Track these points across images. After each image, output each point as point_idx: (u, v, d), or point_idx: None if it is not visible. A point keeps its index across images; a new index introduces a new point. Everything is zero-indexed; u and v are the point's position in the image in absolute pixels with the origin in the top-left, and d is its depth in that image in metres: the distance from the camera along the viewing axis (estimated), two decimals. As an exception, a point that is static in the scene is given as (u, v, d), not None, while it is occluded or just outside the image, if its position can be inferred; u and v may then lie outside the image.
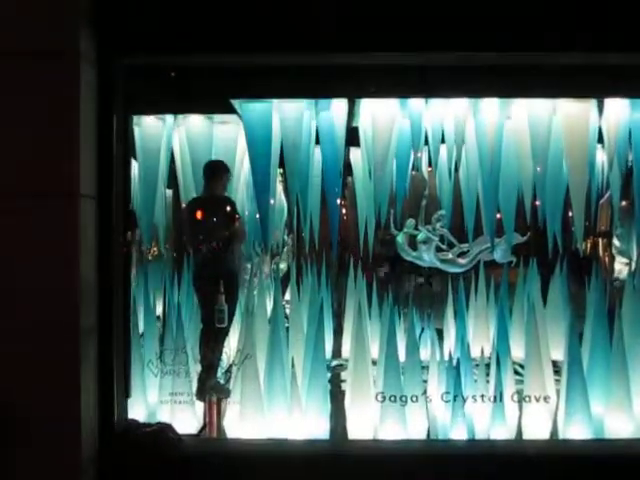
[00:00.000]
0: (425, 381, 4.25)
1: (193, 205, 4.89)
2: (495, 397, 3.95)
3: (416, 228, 6.07)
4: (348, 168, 5.47)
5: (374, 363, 4.36)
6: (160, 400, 4.10)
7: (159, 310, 5.08)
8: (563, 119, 4.31)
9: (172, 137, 5.07)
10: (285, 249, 6.73)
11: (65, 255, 3.10)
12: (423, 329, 5.43)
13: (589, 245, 6.42)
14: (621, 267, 5.75)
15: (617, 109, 4.38)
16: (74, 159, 3.11)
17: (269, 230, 4.76)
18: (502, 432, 3.90)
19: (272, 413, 4.00)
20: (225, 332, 4.48)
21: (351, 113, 4.60)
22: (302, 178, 4.52)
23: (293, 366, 4.04)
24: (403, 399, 3.93)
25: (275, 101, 4.20)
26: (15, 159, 3.08)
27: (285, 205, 5.90)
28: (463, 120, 4.53)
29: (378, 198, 4.74)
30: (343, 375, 4.91)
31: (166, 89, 3.97)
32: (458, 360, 4.05)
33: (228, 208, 4.78)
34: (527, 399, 4.02)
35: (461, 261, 5.98)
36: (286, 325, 4.56)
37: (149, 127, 4.84)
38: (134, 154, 4.67)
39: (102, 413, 3.40)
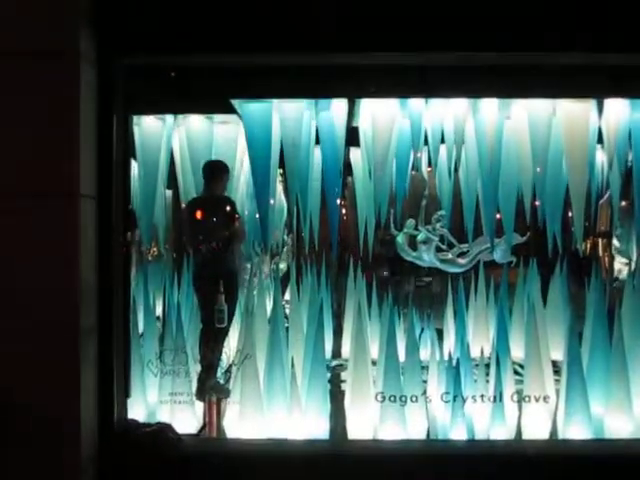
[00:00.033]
0: (425, 381, 4.25)
1: (193, 205, 4.89)
2: (495, 397, 3.95)
3: (416, 228, 6.06)
4: (348, 168, 5.47)
5: (374, 363, 4.36)
6: (160, 400, 4.09)
7: (159, 310, 5.08)
8: (563, 119, 4.31)
9: (172, 137, 5.07)
10: (285, 249, 6.73)
11: (65, 255, 3.10)
12: (423, 329, 5.43)
13: (589, 245, 6.42)
14: (621, 267, 5.76)
15: (617, 109, 4.37)
16: (74, 159, 3.11)
17: (269, 230, 4.76)
18: (502, 432, 3.90)
19: (272, 413, 4.00)
20: (225, 332, 4.48)
21: (351, 113, 4.60)
22: (302, 178, 4.52)
23: (293, 366, 4.05)
24: (403, 399, 3.93)
25: (275, 101, 4.20)
26: (15, 159, 3.08)
27: (285, 205, 5.89)
28: (463, 120, 4.53)
29: (378, 198, 4.74)
30: (343, 375, 4.91)
31: (166, 89, 3.96)
32: (458, 360, 4.05)
33: (228, 208, 4.78)
34: (527, 399, 4.02)
35: (461, 261, 5.98)
36: (286, 325, 4.56)
37: (149, 127, 4.83)
38: (134, 154, 4.66)
39: (102, 413, 3.40)
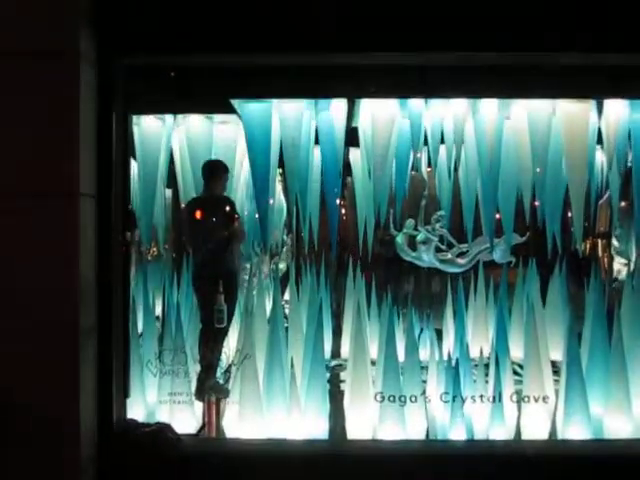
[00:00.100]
0: (424, 381, 4.25)
1: (192, 205, 4.88)
2: (494, 397, 3.95)
3: (415, 228, 6.06)
4: (348, 168, 5.47)
5: (373, 363, 4.37)
6: (159, 400, 4.09)
7: (158, 310, 5.08)
8: (563, 119, 4.31)
9: (172, 137, 5.06)
10: (284, 249, 6.73)
11: (65, 255, 3.10)
12: (422, 329, 5.43)
13: (588, 245, 6.42)
14: (620, 267, 5.75)
15: (617, 109, 4.37)
16: (74, 159, 3.11)
17: (268, 230, 4.75)
18: (501, 432, 3.90)
19: (271, 413, 4.00)
20: (224, 332, 4.48)
21: (351, 113, 4.60)
22: (301, 178, 4.52)
23: (292, 366, 4.04)
24: (402, 399, 3.93)
25: (275, 101, 4.19)
26: (15, 159, 3.08)
27: (284, 205, 5.90)
28: (463, 120, 4.52)
29: (377, 198, 4.73)
30: (342, 375, 4.91)
31: (166, 89, 3.96)
32: (457, 360, 4.05)
33: (227, 208, 4.78)
34: (526, 399, 4.02)
35: (460, 261, 5.97)
36: (285, 325, 4.56)
37: (149, 127, 4.83)
38: (134, 154, 4.66)
39: (101, 413, 3.40)
